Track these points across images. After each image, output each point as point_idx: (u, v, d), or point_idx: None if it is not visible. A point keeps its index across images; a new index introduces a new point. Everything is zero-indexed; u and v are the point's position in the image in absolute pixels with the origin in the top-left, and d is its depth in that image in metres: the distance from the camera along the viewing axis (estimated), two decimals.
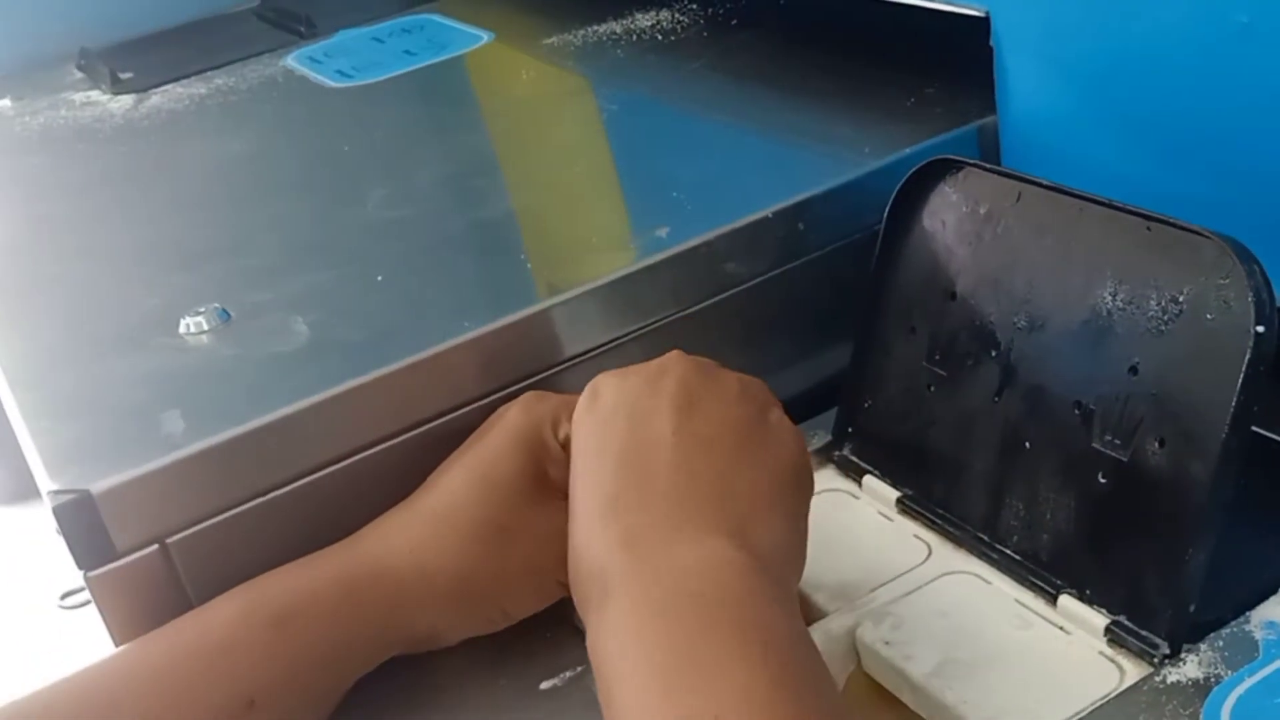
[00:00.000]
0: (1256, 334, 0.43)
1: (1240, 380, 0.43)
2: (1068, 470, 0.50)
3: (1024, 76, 0.61)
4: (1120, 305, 0.48)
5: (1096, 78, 0.57)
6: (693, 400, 0.46)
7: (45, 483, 0.49)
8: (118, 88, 1.08)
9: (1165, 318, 0.47)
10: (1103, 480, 0.48)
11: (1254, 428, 0.44)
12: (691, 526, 0.41)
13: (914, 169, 0.57)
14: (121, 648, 0.47)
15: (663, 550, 0.40)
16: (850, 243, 0.62)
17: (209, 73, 1.07)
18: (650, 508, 0.42)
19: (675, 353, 0.48)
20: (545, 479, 0.50)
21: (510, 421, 0.51)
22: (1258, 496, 0.46)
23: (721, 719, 0.34)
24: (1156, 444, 0.46)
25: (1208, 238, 0.45)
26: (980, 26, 0.62)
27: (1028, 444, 0.51)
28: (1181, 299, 0.46)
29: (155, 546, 0.49)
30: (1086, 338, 0.49)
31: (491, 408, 0.54)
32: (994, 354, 0.53)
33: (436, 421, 0.54)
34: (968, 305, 0.55)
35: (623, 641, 0.38)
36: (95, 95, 1.08)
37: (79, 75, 1.18)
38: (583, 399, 0.48)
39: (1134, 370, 0.47)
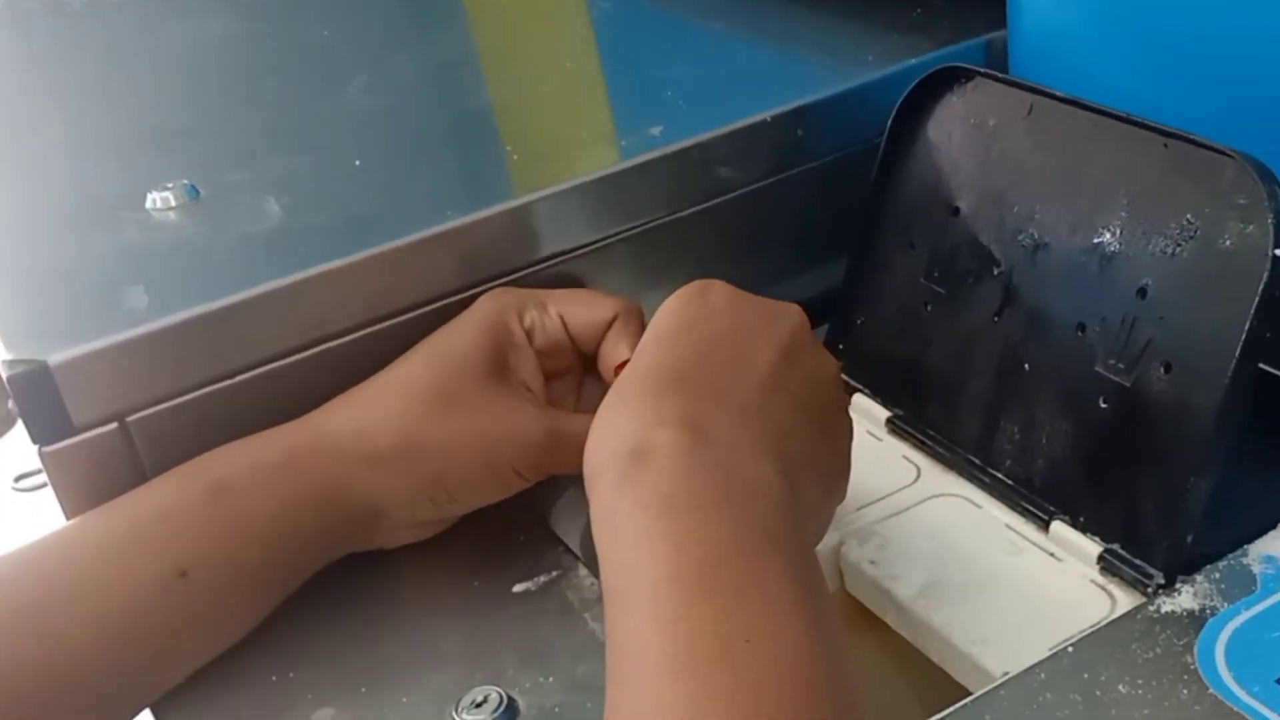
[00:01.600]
0: (1274, 257, 0.41)
1: (1254, 306, 0.41)
2: (1067, 394, 0.48)
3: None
4: (1132, 226, 0.47)
5: (1120, 21, 0.55)
6: (798, 352, 0.43)
7: (1, 354, 0.46)
8: None
9: (1178, 239, 0.45)
10: (1103, 405, 0.46)
11: (1263, 365, 0.43)
12: (757, 448, 0.39)
13: (921, 77, 0.55)
14: (51, 534, 0.45)
15: (725, 449, 0.38)
16: (850, 153, 0.60)
17: None
18: (722, 409, 0.39)
19: (796, 306, 0.45)
20: (503, 363, 0.48)
21: (475, 306, 0.50)
22: (1262, 430, 0.45)
23: (753, 628, 0.33)
24: (1162, 370, 0.45)
25: (1229, 156, 0.43)
26: None
27: (1027, 366, 0.50)
28: (1197, 220, 0.44)
29: (114, 424, 0.47)
30: (1094, 258, 0.48)
31: (466, 304, 0.52)
32: (996, 272, 0.52)
33: (410, 314, 0.52)
34: (971, 221, 0.53)
35: (653, 520, 0.35)
36: None
37: None
38: (682, 290, 0.45)
39: (1142, 293, 0.46)
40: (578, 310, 0.51)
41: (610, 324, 0.50)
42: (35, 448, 0.46)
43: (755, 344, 0.42)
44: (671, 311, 0.44)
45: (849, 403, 0.47)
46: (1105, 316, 0.47)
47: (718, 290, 0.45)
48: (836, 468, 0.44)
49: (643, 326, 0.50)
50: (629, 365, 0.42)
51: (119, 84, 0.78)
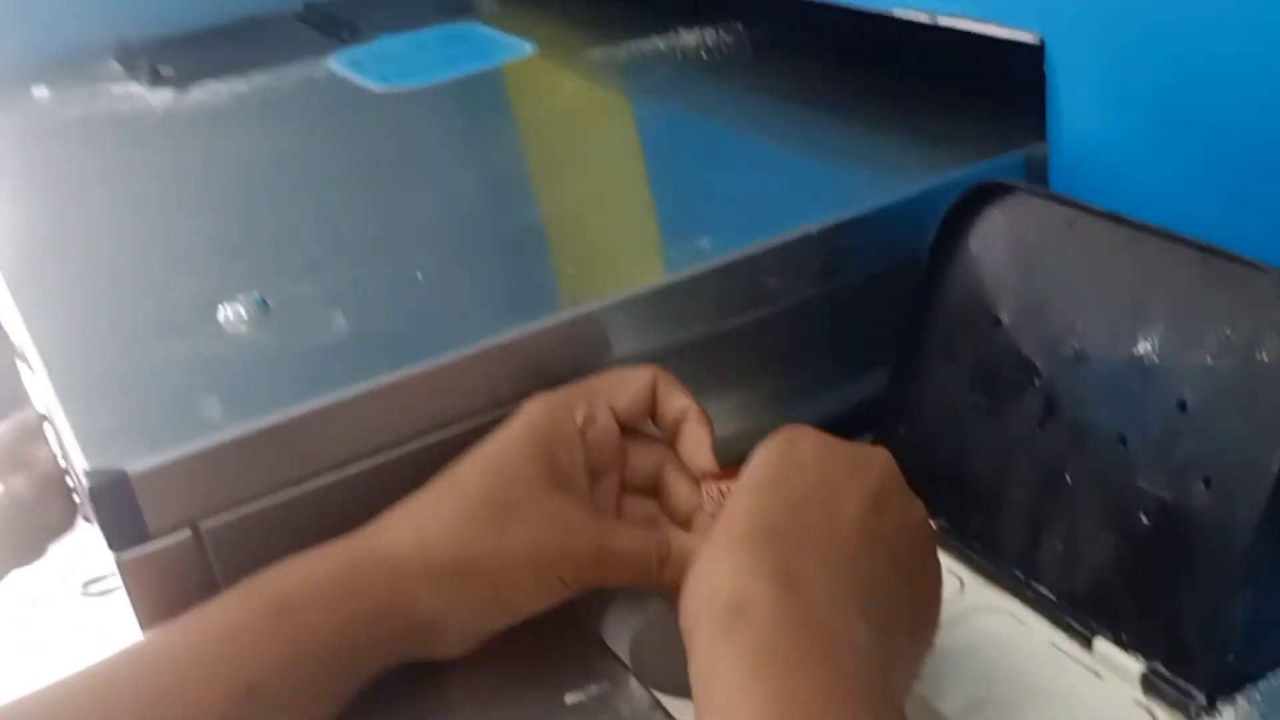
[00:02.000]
0: None
1: None
2: (1109, 507, 0.49)
3: (1078, 104, 0.61)
4: (1172, 338, 0.48)
5: (1154, 108, 0.57)
6: (886, 500, 0.45)
7: (80, 462, 0.48)
8: (157, 82, 1.08)
9: (1217, 352, 0.46)
10: (1145, 520, 0.47)
11: None
12: (850, 602, 0.40)
13: (964, 191, 0.57)
14: (122, 651, 0.47)
15: (820, 604, 0.39)
16: (894, 265, 0.62)
17: (250, 72, 1.08)
18: (816, 563, 0.41)
19: (884, 451, 0.47)
20: (556, 464, 0.49)
21: (526, 409, 0.51)
22: None
23: None
24: (1203, 484, 0.46)
25: (1265, 271, 0.45)
26: (1033, 52, 0.62)
27: (1069, 478, 0.51)
28: (1235, 334, 0.46)
29: (187, 530, 0.48)
30: (1135, 369, 0.49)
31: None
32: (1037, 383, 0.53)
33: (470, 420, 0.54)
34: (1012, 332, 0.54)
35: (751, 675, 0.36)
36: (134, 88, 1.08)
37: (117, 68, 1.18)
38: (774, 440, 0.46)
39: (1182, 406, 0.47)
40: (620, 392, 0.52)
41: (651, 390, 0.52)
42: (110, 553, 0.48)
43: (845, 494, 0.43)
44: (764, 463, 0.45)
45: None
46: (1146, 429, 0.48)
47: (808, 440, 0.46)
48: (927, 619, 0.45)
49: (677, 382, 0.52)
50: (725, 517, 0.43)
51: (189, 198, 0.81)
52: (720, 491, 0.49)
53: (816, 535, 0.42)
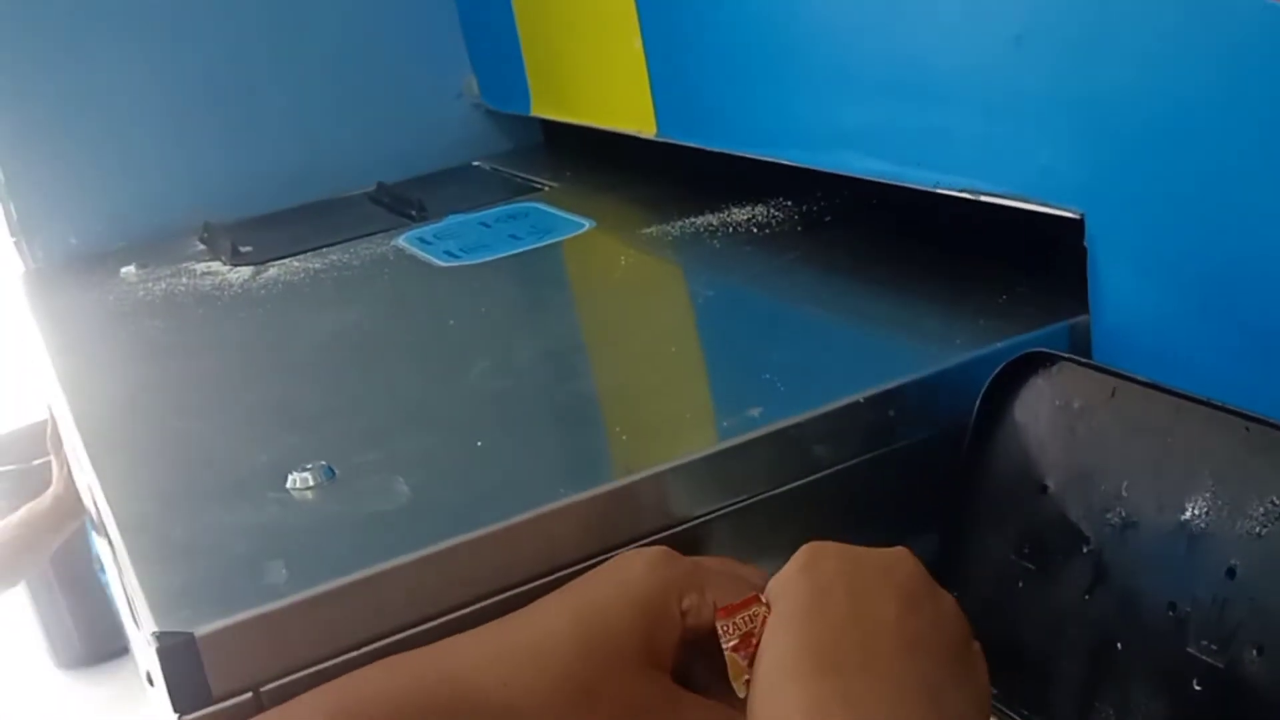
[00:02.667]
0: None
1: None
2: (1161, 675, 0.49)
3: (1118, 277, 0.63)
4: (1218, 506, 0.48)
5: (1193, 282, 0.58)
6: (918, 599, 0.46)
7: (149, 624, 0.50)
8: (237, 259, 1.13)
9: (1265, 521, 0.47)
10: (1197, 687, 0.47)
11: None
12: (916, 714, 0.41)
13: (1008, 361, 0.58)
14: None
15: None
16: (940, 433, 0.63)
17: (324, 249, 1.13)
18: (877, 679, 0.42)
19: (904, 549, 0.48)
20: (652, 641, 0.50)
21: (634, 579, 0.51)
22: None
23: None
24: (1255, 652, 0.46)
25: None
26: (1075, 227, 0.64)
27: (1119, 645, 0.51)
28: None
29: (249, 694, 0.50)
30: (1182, 538, 0.49)
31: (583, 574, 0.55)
32: (1086, 550, 0.53)
33: (530, 585, 0.55)
34: (1060, 500, 0.55)
35: None
36: (215, 266, 1.14)
37: (201, 247, 1.24)
38: (796, 561, 0.47)
39: (1231, 573, 0.47)
40: (730, 590, 0.51)
41: None
42: (172, 716, 0.49)
43: (880, 603, 0.45)
44: (793, 590, 0.46)
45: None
46: (1196, 596, 0.48)
47: (829, 556, 0.47)
48: (979, 695, 0.46)
49: None
50: (771, 652, 0.44)
51: (263, 369, 0.85)
52: (735, 625, 0.49)
53: (867, 652, 0.43)
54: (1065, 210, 0.65)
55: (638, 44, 1.07)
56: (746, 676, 0.46)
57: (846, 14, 0.80)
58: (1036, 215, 0.67)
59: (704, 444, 0.59)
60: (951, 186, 0.73)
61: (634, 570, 0.52)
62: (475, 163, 1.46)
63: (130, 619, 0.62)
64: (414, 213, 1.22)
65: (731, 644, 0.48)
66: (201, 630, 0.49)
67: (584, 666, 0.49)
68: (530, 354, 0.79)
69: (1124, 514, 0.52)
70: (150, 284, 1.11)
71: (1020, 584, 0.56)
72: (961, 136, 0.72)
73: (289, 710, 0.48)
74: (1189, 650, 0.48)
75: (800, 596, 0.46)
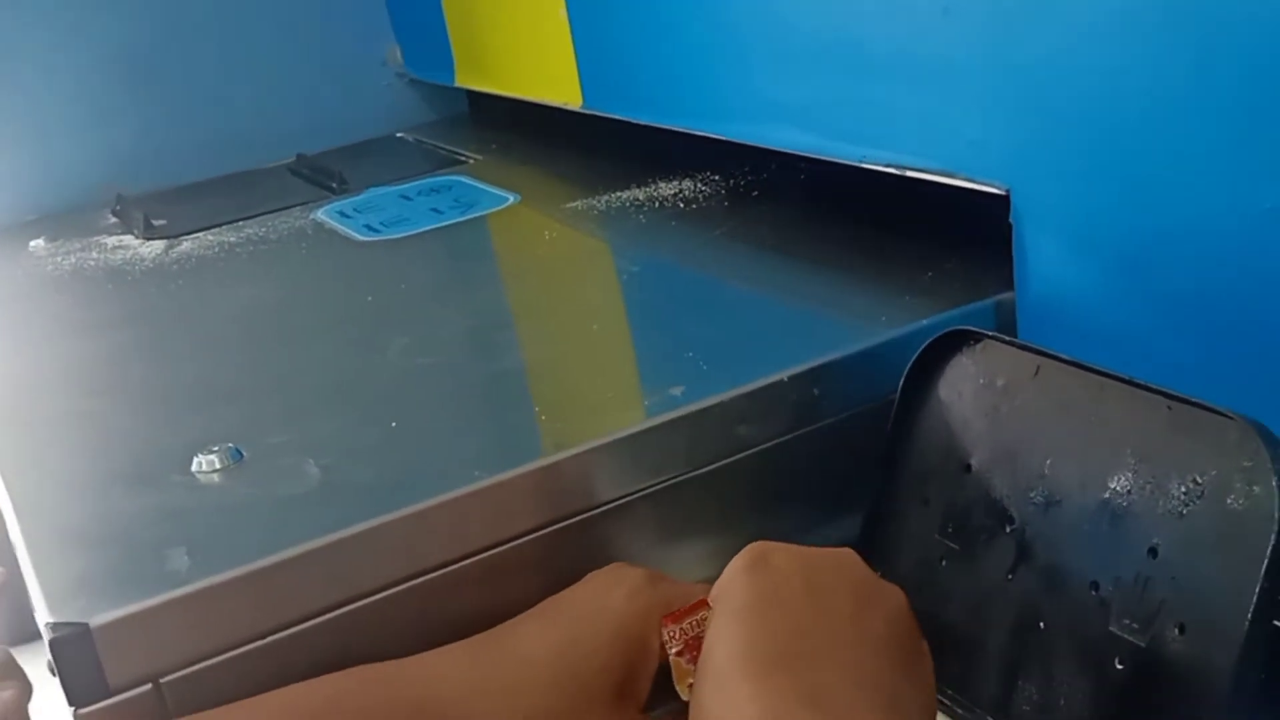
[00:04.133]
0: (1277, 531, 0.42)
1: (1265, 566, 0.42)
2: (1083, 653, 0.48)
3: (1043, 253, 0.62)
4: (1140, 485, 0.48)
5: (1118, 256, 0.58)
6: (872, 596, 0.46)
7: (44, 615, 0.48)
8: (150, 233, 1.10)
9: (1186, 500, 0.46)
10: (1120, 666, 0.47)
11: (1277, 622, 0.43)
12: (878, 710, 0.40)
13: (932, 339, 0.57)
14: None
15: (848, 717, 0.39)
16: (864, 411, 0.62)
17: (240, 222, 1.10)
18: (835, 676, 0.41)
19: (849, 550, 0.47)
20: (629, 681, 0.49)
21: (615, 608, 0.50)
22: (1277, 688, 0.45)
23: None
24: (1176, 630, 0.45)
25: (1231, 419, 0.45)
26: (1000, 203, 0.63)
27: (1042, 624, 0.50)
28: (1203, 481, 0.46)
29: (149, 686, 0.48)
30: (1105, 517, 0.49)
31: (499, 560, 0.54)
32: (1009, 529, 0.53)
33: (443, 570, 0.53)
34: (983, 478, 0.55)
35: None
36: (128, 239, 1.11)
37: (113, 220, 1.21)
38: (742, 559, 0.46)
39: (1153, 552, 0.47)
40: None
41: None
42: (70, 710, 0.47)
43: (833, 601, 0.44)
44: (743, 586, 0.45)
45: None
46: (1119, 575, 0.48)
47: (778, 553, 0.46)
48: (928, 691, 0.45)
49: None
50: (719, 648, 0.43)
51: (172, 347, 0.82)
52: (681, 630, 0.48)
53: (822, 648, 0.42)
54: (991, 186, 0.64)
55: (562, 13, 1.05)
56: (690, 681, 0.45)
57: None
58: (963, 191, 0.66)
59: (625, 424, 0.58)
60: (878, 161, 0.72)
61: (615, 597, 0.50)
62: (399, 134, 1.43)
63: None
64: (334, 185, 1.19)
65: (676, 650, 0.47)
66: (97, 620, 0.47)
67: (559, 700, 0.47)
68: (451, 331, 0.77)
69: (1047, 493, 0.52)
70: (59, 258, 1.08)
71: (944, 563, 0.55)
72: (889, 110, 0.71)
73: (259, 701, 0.46)
74: (1111, 629, 0.47)
75: (751, 592, 0.44)
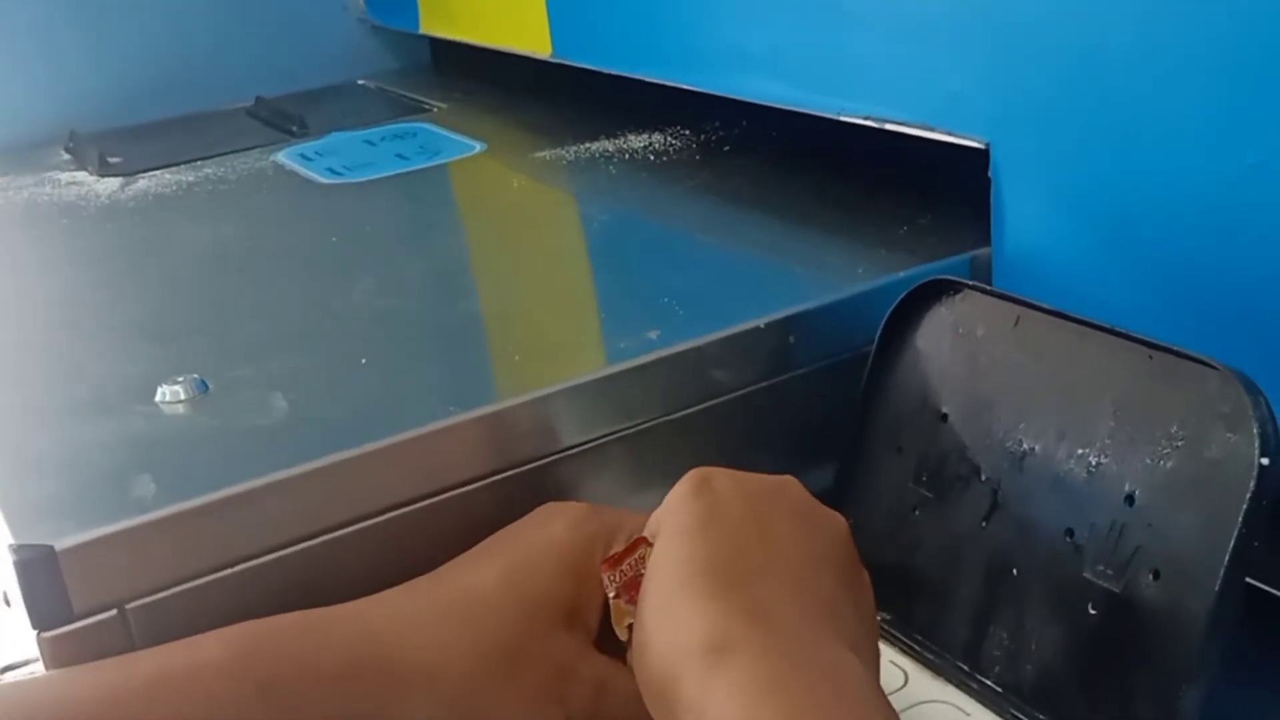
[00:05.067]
0: (1261, 466, 0.42)
1: (1242, 514, 0.43)
2: (1056, 600, 0.49)
3: (1022, 208, 0.62)
4: (1119, 433, 0.48)
5: (1098, 211, 0.58)
6: (813, 518, 0.46)
7: (6, 538, 0.47)
8: (104, 170, 1.08)
9: (1165, 448, 0.46)
10: (1093, 611, 0.47)
11: (1255, 580, 0.44)
12: (824, 628, 0.40)
13: (912, 288, 0.57)
14: (101, 661, 0.45)
15: (803, 634, 0.39)
16: (840, 360, 0.62)
17: (198, 162, 1.08)
18: (779, 592, 0.41)
19: (790, 477, 0.47)
20: (579, 605, 0.48)
21: (558, 537, 0.49)
22: (1252, 641, 0.46)
23: None
24: (1151, 576, 0.46)
25: (1213, 367, 0.45)
26: (979, 158, 0.63)
27: (1015, 571, 0.51)
28: (1183, 429, 0.46)
29: (114, 611, 0.47)
30: (1082, 465, 0.49)
31: (466, 498, 0.53)
32: (984, 478, 0.53)
33: (411, 506, 0.52)
34: (959, 427, 0.55)
35: (757, 702, 0.36)
36: (82, 176, 1.08)
37: (66, 157, 1.18)
38: (684, 485, 0.46)
39: (1130, 500, 0.47)
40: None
41: None
42: (33, 633, 0.46)
43: (776, 522, 0.44)
44: (686, 509, 0.45)
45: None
46: (1094, 523, 0.48)
47: (719, 477, 0.46)
48: (873, 624, 0.46)
49: None
50: (663, 566, 0.43)
51: (132, 283, 0.80)
52: (621, 572, 0.47)
53: (766, 566, 0.42)
54: (971, 139, 0.64)
55: None
56: (630, 621, 0.45)
57: None
58: (936, 147, 0.66)
59: (599, 365, 0.58)
60: (855, 113, 0.72)
61: (557, 528, 0.50)
62: (360, 81, 1.41)
63: None
64: (294, 129, 1.17)
65: (613, 593, 0.47)
66: (62, 544, 0.46)
67: (509, 628, 0.47)
68: (417, 274, 0.76)
69: (1024, 442, 0.52)
70: (10, 193, 1.05)
71: (917, 511, 0.55)
72: (867, 61, 0.71)
73: (203, 647, 0.45)
74: (1085, 575, 0.47)
75: (694, 514, 0.44)
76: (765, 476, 0.47)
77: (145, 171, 1.06)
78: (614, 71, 0.96)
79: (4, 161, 1.18)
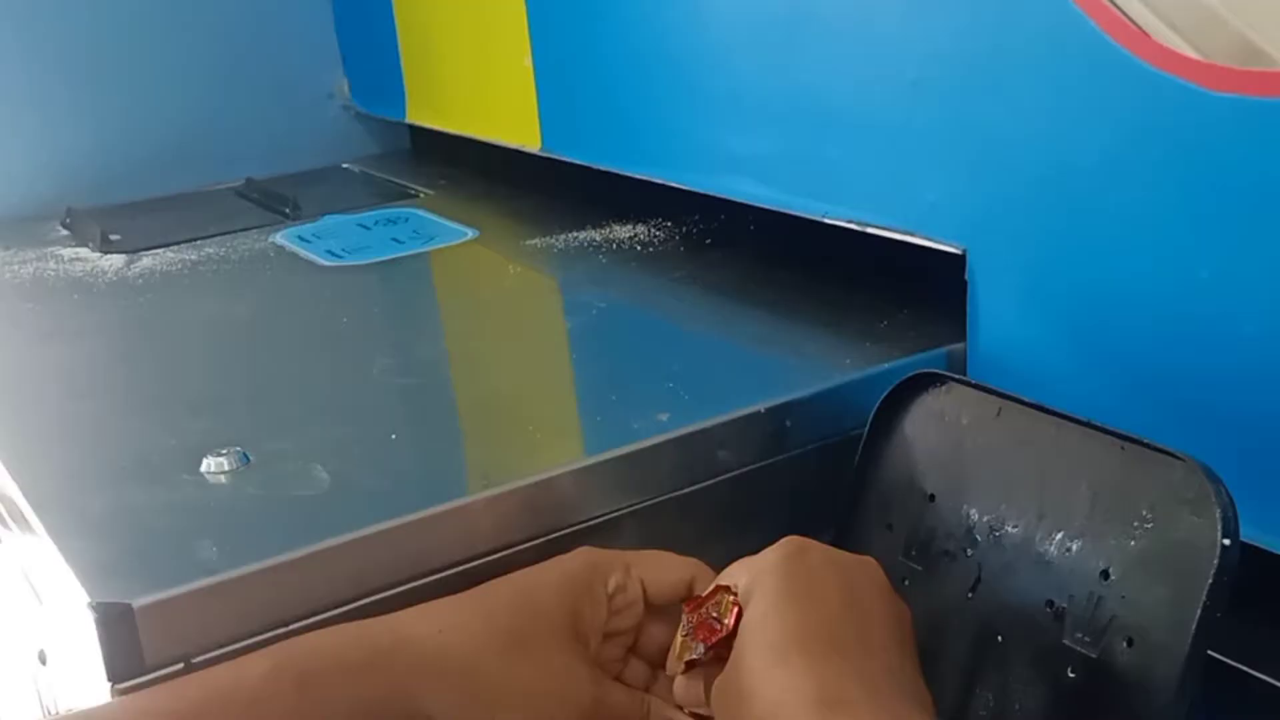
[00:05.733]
0: (1222, 546, 0.48)
1: (1207, 589, 0.48)
2: (1038, 664, 0.54)
3: (996, 308, 0.68)
4: (1094, 515, 0.54)
5: (1066, 313, 0.64)
6: (893, 599, 0.51)
7: (82, 596, 0.50)
8: (107, 247, 1.11)
9: (1137, 528, 0.52)
10: (1071, 675, 0.52)
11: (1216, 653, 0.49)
12: (912, 705, 0.45)
13: (901, 379, 0.63)
14: (151, 689, 0.49)
15: (894, 704, 0.45)
16: (831, 444, 0.68)
17: (198, 241, 1.12)
18: (877, 665, 0.46)
19: (869, 557, 0.53)
20: (578, 616, 0.53)
21: (570, 560, 0.55)
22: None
23: None
24: (1125, 643, 0.51)
25: (1179, 458, 0.51)
26: (954, 259, 0.70)
27: (1000, 638, 0.56)
28: (1152, 513, 0.51)
29: (181, 665, 0.50)
30: (1061, 544, 0.55)
31: (501, 563, 0.58)
32: (969, 553, 0.58)
33: (450, 571, 0.57)
34: (945, 507, 0.60)
35: None
36: (84, 252, 1.12)
37: (64, 233, 1.21)
38: (781, 549, 0.51)
39: (1105, 575, 0.52)
40: (657, 574, 0.56)
41: (689, 585, 0.55)
42: (105, 685, 0.50)
43: (865, 598, 0.50)
44: (786, 573, 0.50)
45: None
46: (1072, 594, 0.53)
47: (814, 550, 0.51)
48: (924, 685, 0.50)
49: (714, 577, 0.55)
50: (767, 625, 0.47)
51: (152, 355, 0.84)
52: (699, 615, 0.52)
53: (863, 637, 0.47)
54: (949, 245, 0.71)
55: (528, 61, 1.10)
56: (689, 657, 0.50)
57: (745, 45, 0.84)
58: (911, 247, 0.72)
59: (616, 444, 0.63)
60: (839, 217, 0.78)
61: (565, 557, 0.56)
62: (345, 165, 1.46)
63: (31, 594, 0.62)
64: (287, 210, 1.21)
65: (685, 631, 0.51)
66: (139, 601, 0.50)
67: (518, 620, 0.52)
68: (432, 354, 0.80)
69: (1006, 523, 0.57)
70: (16, 267, 1.08)
71: (906, 582, 0.60)
72: (852, 170, 0.77)
73: (243, 663, 0.49)
74: (1064, 641, 0.53)
75: (797, 579, 0.49)
76: (851, 555, 0.52)
77: (147, 250, 1.09)
78: (602, 167, 1.02)
79: (2, 233, 1.21)
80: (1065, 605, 0.53)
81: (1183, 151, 0.57)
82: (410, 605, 0.55)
